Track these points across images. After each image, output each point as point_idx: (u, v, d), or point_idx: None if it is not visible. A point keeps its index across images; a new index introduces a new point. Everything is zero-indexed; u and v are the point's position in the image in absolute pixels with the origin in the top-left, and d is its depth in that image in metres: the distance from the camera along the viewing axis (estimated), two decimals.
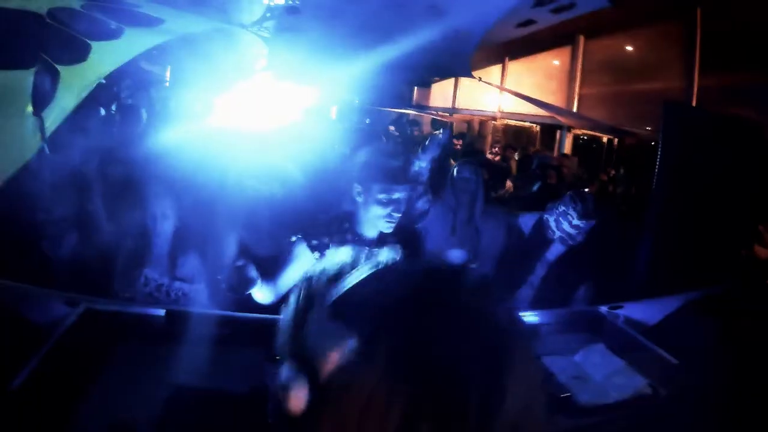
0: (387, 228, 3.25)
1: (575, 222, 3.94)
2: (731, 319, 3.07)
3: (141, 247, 3.56)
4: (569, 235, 3.97)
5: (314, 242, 3.37)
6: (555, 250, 4.13)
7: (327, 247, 3.34)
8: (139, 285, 3.56)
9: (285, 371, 0.93)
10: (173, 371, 2.40)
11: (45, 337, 2.53)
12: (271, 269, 3.38)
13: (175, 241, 3.61)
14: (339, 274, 1.01)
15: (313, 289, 1.03)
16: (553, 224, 4.05)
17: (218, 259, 3.73)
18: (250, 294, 3.11)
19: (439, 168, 5.64)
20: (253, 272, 3.07)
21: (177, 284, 3.60)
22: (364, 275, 0.95)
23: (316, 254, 3.36)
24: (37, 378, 2.25)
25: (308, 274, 1.06)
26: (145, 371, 2.42)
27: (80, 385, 2.29)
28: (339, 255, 1.05)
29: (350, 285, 0.94)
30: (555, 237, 4.04)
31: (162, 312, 2.92)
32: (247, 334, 2.87)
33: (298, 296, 1.05)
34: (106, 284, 3.50)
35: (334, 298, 0.93)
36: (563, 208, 4.01)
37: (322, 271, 1.04)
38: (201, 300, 3.58)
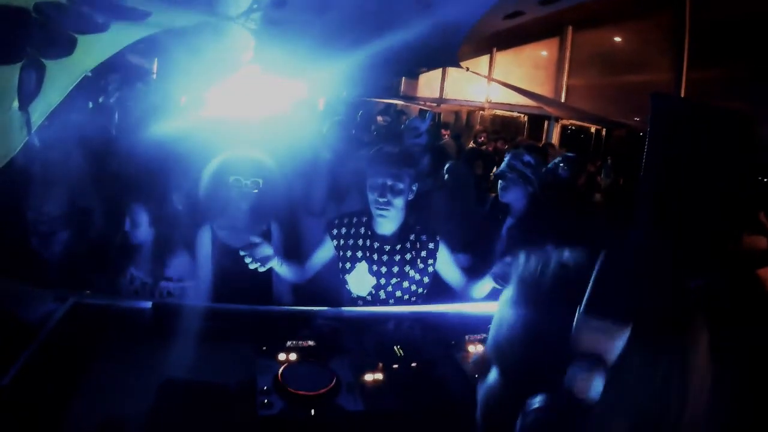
0: (380, 216, 3.36)
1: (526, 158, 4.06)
2: (720, 312, 3.08)
3: (126, 244, 3.56)
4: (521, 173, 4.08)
5: (335, 231, 3.50)
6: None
7: (349, 237, 3.49)
8: (124, 282, 3.56)
9: (576, 369, 0.97)
10: (162, 365, 2.39)
11: (33, 333, 2.52)
12: (295, 252, 3.51)
13: (161, 239, 3.62)
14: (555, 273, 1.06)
15: (530, 287, 1.08)
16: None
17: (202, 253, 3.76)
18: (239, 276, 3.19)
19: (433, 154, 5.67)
20: (268, 249, 3.17)
21: (163, 284, 3.60)
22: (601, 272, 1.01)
23: (335, 242, 3.60)
24: (27, 374, 2.25)
25: (519, 274, 1.12)
26: (134, 365, 2.42)
27: (70, 381, 2.28)
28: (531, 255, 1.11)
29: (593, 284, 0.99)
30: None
31: (149, 305, 2.92)
32: (237, 327, 2.88)
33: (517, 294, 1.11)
34: (95, 280, 3.50)
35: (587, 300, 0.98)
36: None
37: (532, 270, 1.10)
38: (188, 298, 3.59)
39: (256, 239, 3.23)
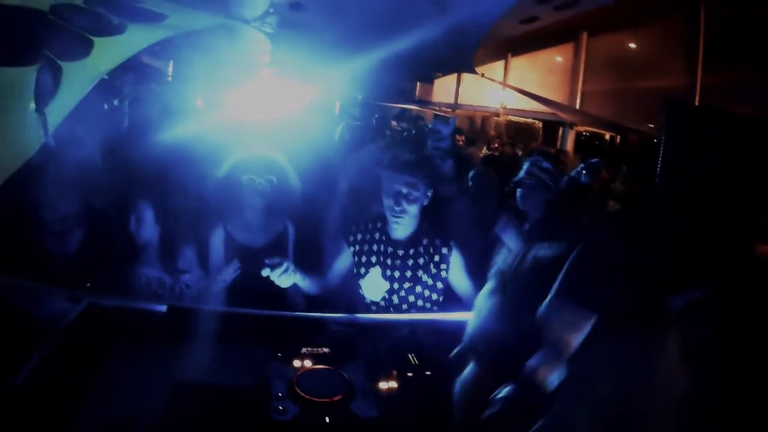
0: (395, 222, 3.37)
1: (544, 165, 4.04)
2: (734, 319, 3.06)
3: (139, 243, 3.57)
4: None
5: (351, 238, 3.53)
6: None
7: (364, 242, 3.49)
8: (140, 285, 3.57)
9: (536, 357, 1.04)
10: (177, 367, 2.40)
11: (48, 334, 2.52)
12: (312, 257, 3.53)
13: (173, 235, 3.63)
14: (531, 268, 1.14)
15: (508, 282, 1.16)
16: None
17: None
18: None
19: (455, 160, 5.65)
20: (291, 266, 3.20)
21: (180, 277, 3.61)
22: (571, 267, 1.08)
23: (352, 248, 3.60)
24: (41, 374, 2.25)
25: (498, 269, 1.20)
26: (148, 367, 2.42)
27: (83, 381, 2.29)
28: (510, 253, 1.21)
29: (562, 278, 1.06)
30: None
31: (164, 307, 2.92)
32: (251, 330, 2.88)
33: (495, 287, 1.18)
34: (110, 280, 3.51)
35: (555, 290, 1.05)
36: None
37: (509, 265, 1.19)
38: (205, 290, 3.60)
39: (276, 259, 3.24)
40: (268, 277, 3.24)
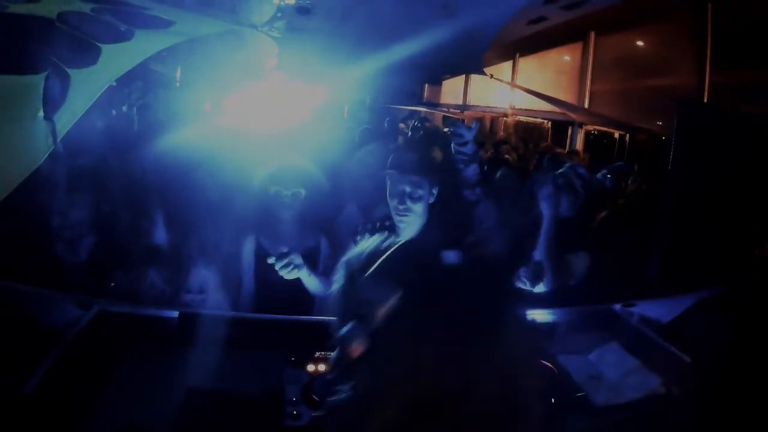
0: (400, 222, 3.38)
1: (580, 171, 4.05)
2: (745, 317, 3.05)
3: (149, 250, 3.57)
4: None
5: (359, 238, 3.58)
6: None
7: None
8: (146, 286, 3.57)
9: (345, 328, 1.14)
10: (187, 373, 2.40)
11: (58, 340, 2.53)
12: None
13: (185, 248, 3.63)
14: (370, 254, 1.20)
15: (353, 267, 1.22)
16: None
17: (232, 264, 3.77)
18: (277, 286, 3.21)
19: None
20: (298, 259, 3.19)
21: (183, 295, 3.60)
22: (390, 253, 1.15)
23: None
24: (51, 381, 2.26)
25: (348, 257, 1.29)
26: (158, 373, 2.43)
27: (94, 388, 2.29)
28: (366, 242, 1.28)
29: (381, 261, 1.13)
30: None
31: (175, 314, 2.92)
32: (261, 335, 2.88)
33: (344, 272, 1.26)
34: (121, 287, 3.52)
35: (372, 270, 1.13)
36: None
37: (358, 254, 1.26)
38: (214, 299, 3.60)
39: (285, 248, 3.26)
40: (294, 282, 3.28)
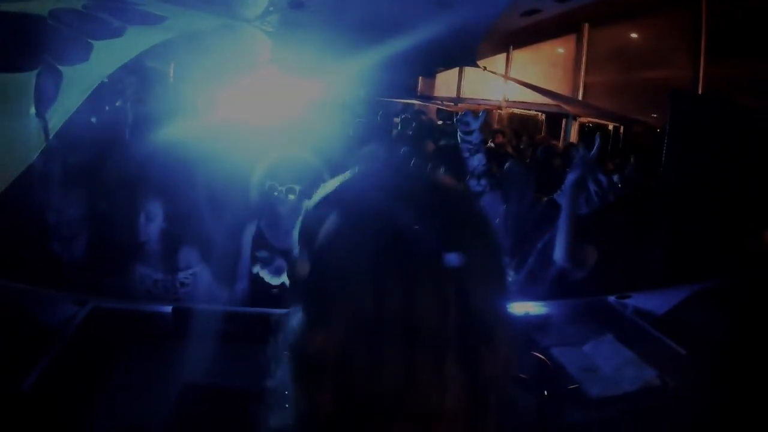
0: None
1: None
2: (739, 309, 3.06)
3: (138, 243, 3.55)
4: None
5: None
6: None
7: None
8: (136, 283, 3.55)
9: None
10: (183, 368, 2.40)
11: (54, 338, 2.53)
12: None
13: (172, 234, 3.60)
14: None
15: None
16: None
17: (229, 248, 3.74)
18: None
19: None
20: (282, 264, 3.16)
21: (175, 276, 3.58)
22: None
23: None
24: (48, 379, 2.26)
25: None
26: (154, 369, 2.42)
27: (90, 385, 2.29)
28: None
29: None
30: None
31: (169, 309, 2.92)
32: (258, 329, 2.87)
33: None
34: (116, 283, 3.51)
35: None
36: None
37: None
38: (205, 287, 3.58)
39: (263, 253, 3.22)
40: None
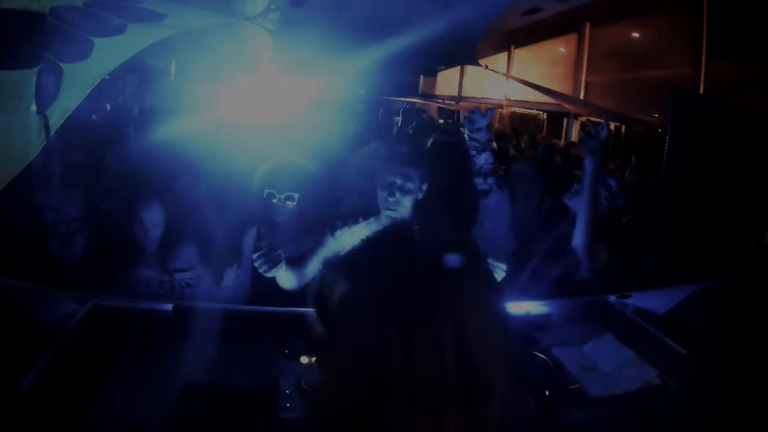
0: (387, 216, 3.30)
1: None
2: (740, 308, 3.05)
3: (141, 244, 3.55)
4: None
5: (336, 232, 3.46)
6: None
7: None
8: (139, 285, 3.55)
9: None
10: (183, 366, 2.40)
11: (53, 336, 2.53)
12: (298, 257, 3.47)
13: (169, 235, 3.59)
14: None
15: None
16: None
17: (230, 246, 3.73)
18: (272, 278, 3.16)
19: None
20: (278, 254, 3.13)
21: (179, 276, 3.58)
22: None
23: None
24: (47, 378, 2.26)
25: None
26: (154, 367, 2.43)
27: (90, 382, 2.29)
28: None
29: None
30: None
31: (170, 307, 2.92)
32: (257, 328, 2.88)
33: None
34: (116, 281, 3.50)
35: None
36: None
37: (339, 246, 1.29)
38: (208, 287, 3.58)
39: (264, 244, 3.21)
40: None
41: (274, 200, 3.63)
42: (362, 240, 1.17)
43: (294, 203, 3.65)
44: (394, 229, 1.23)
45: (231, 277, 3.67)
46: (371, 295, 1.03)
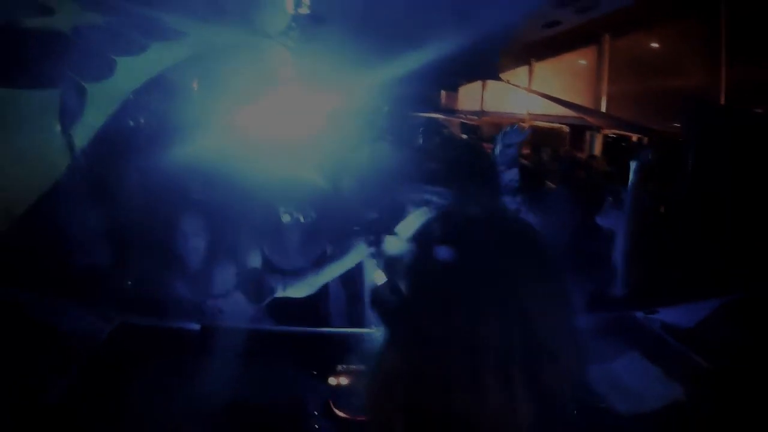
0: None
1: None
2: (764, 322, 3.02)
3: (172, 263, 3.55)
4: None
5: (371, 239, 3.45)
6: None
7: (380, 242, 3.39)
8: (173, 304, 3.55)
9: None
10: (210, 386, 2.39)
11: (80, 353, 2.53)
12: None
13: (206, 257, 3.60)
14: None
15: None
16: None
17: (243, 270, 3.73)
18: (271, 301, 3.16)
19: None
20: (270, 283, 3.11)
21: (210, 302, 3.58)
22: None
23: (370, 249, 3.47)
24: (73, 394, 2.26)
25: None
26: (180, 387, 2.42)
27: (116, 401, 2.29)
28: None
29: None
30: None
31: (197, 326, 2.91)
32: (284, 348, 2.87)
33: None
34: (143, 299, 3.51)
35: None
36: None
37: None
38: (237, 315, 3.57)
39: (256, 274, 3.19)
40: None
41: (289, 217, 3.63)
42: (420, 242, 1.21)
43: (308, 219, 3.65)
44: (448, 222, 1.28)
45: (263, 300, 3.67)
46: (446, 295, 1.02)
